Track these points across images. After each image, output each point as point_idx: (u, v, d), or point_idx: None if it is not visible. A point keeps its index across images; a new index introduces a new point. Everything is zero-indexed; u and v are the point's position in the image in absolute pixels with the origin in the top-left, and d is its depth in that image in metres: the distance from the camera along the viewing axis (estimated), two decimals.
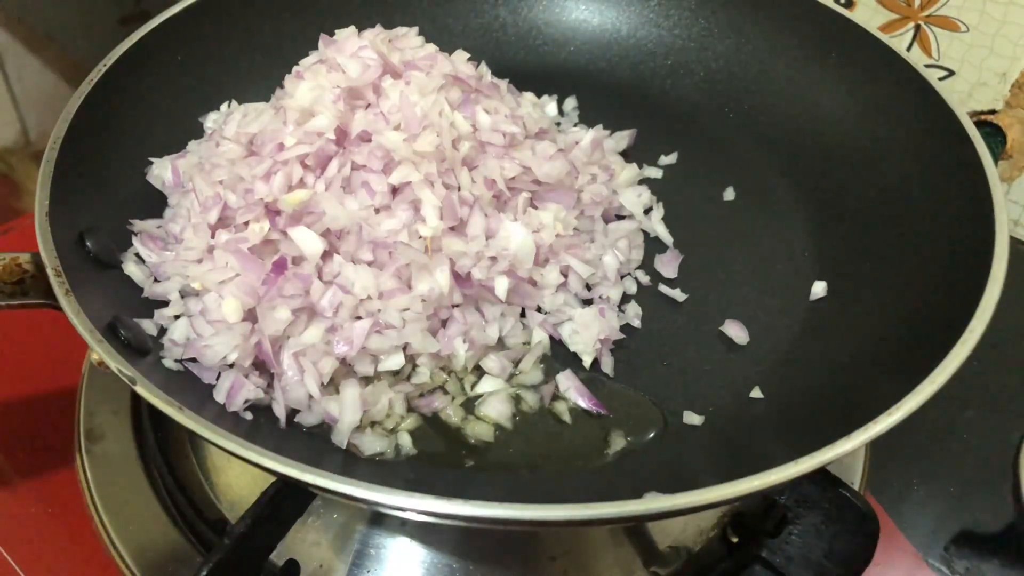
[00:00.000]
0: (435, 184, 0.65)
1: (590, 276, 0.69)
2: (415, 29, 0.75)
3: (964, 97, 0.92)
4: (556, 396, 0.64)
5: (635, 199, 0.77)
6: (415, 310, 0.62)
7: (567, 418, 0.62)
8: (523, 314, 0.68)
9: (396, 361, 0.61)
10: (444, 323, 0.65)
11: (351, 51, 0.70)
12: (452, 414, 0.62)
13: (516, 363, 0.66)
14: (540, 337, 0.67)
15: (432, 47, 0.73)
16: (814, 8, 0.80)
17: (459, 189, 0.66)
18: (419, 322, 0.62)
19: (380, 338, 0.60)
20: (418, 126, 0.66)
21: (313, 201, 0.63)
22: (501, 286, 0.64)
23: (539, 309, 0.68)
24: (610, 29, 0.84)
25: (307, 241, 0.62)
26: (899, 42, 0.93)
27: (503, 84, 0.78)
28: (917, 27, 0.92)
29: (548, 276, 0.67)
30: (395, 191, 0.65)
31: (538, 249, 0.66)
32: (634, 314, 0.69)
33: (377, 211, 0.64)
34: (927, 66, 0.83)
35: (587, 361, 0.66)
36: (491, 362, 0.65)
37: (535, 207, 0.70)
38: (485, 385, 0.64)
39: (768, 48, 0.83)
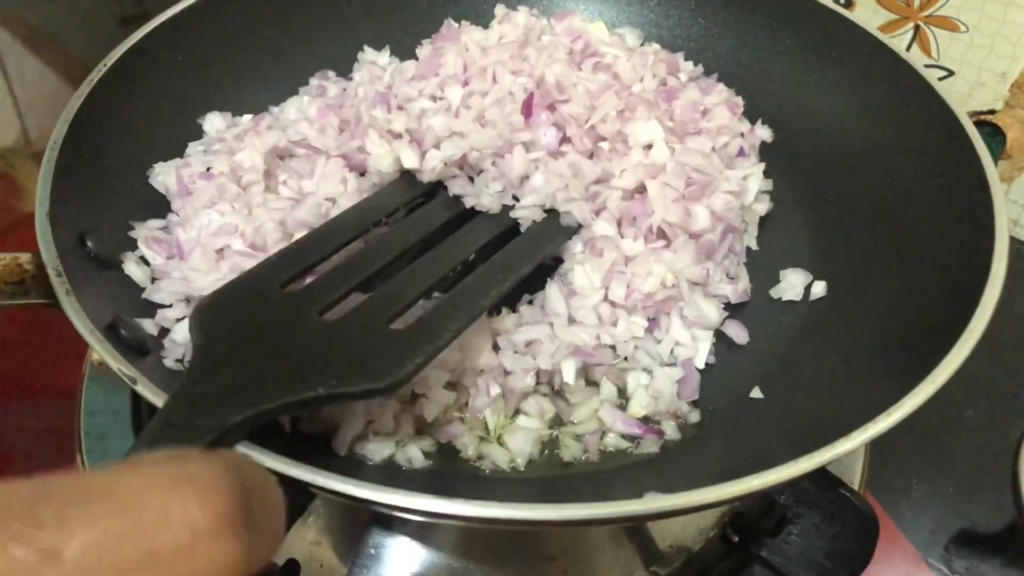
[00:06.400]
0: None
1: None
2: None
3: (964, 97, 0.92)
4: (603, 435, 0.60)
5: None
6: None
7: (610, 448, 0.60)
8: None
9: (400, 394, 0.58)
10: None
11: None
12: (468, 443, 0.58)
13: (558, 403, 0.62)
14: (608, 391, 0.61)
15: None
16: (814, 8, 0.80)
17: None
18: (438, 376, 0.58)
19: None
20: None
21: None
22: (569, 371, 0.59)
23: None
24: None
25: None
26: (899, 42, 0.93)
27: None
28: (917, 27, 0.92)
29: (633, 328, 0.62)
30: None
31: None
32: None
33: None
34: (927, 66, 0.82)
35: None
36: (530, 404, 0.60)
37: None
38: (517, 428, 0.58)
39: (768, 48, 0.83)
